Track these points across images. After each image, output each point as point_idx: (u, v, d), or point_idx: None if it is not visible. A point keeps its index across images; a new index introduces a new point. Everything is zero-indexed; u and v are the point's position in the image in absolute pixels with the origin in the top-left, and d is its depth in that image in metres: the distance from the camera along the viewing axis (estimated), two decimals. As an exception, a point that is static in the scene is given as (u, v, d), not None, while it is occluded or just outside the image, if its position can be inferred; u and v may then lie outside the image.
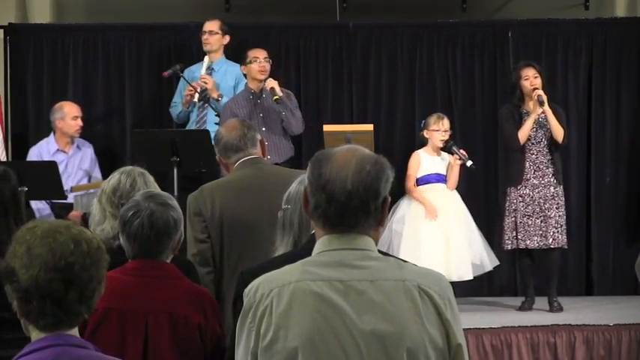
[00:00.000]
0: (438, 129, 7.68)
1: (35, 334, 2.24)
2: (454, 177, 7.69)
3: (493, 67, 8.76)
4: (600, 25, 8.81)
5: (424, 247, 7.49)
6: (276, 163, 7.24)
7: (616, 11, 9.10)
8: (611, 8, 9.13)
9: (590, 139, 8.66)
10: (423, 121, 7.84)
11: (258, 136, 4.48)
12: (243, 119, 4.62)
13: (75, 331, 2.25)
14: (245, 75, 7.77)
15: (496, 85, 8.72)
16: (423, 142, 7.88)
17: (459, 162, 7.62)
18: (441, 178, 7.72)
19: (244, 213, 4.27)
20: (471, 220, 7.75)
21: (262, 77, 7.60)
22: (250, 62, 7.65)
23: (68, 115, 8.08)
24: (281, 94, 7.47)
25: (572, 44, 8.77)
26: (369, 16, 8.90)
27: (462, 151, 7.64)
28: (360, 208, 2.31)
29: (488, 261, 7.69)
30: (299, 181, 3.26)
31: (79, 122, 8.09)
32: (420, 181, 7.72)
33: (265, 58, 7.69)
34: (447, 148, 7.69)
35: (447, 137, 7.69)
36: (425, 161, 7.75)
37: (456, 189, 7.88)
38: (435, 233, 7.57)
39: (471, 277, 7.58)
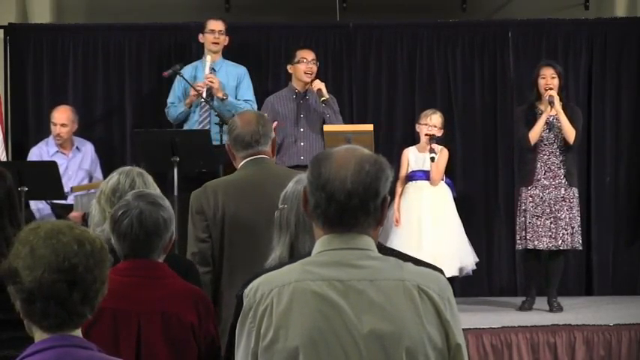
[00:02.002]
0: (426, 123, 7.70)
1: (38, 335, 2.24)
2: (433, 170, 7.65)
3: (493, 67, 8.76)
4: (600, 25, 8.81)
5: (398, 245, 7.45)
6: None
7: (616, 11, 9.10)
8: (611, 8, 9.13)
9: (590, 139, 8.65)
10: None
11: (272, 134, 4.43)
12: (261, 113, 4.56)
13: (78, 332, 2.25)
14: (291, 73, 7.87)
15: (496, 85, 8.72)
16: (408, 139, 7.93)
17: (430, 155, 7.61)
18: (426, 174, 7.72)
19: (245, 213, 4.25)
20: (454, 217, 7.70)
21: (308, 79, 7.70)
22: (298, 62, 7.76)
23: (52, 119, 8.09)
24: (327, 95, 7.56)
25: (572, 44, 8.77)
26: (369, 16, 8.90)
27: (433, 145, 7.62)
28: (360, 207, 2.32)
29: (465, 262, 7.63)
30: (295, 181, 3.25)
31: (57, 129, 8.04)
32: (407, 178, 7.74)
33: (313, 60, 7.80)
34: (430, 142, 7.68)
35: (432, 132, 7.67)
36: (412, 158, 7.77)
37: (455, 189, 7.88)
38: (409, 232, 7.55)
39: (453, 275, 7.49)
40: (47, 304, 2.19)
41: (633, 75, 8.72)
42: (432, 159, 7.57)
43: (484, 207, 8.63)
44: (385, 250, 3.00)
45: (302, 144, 7.63)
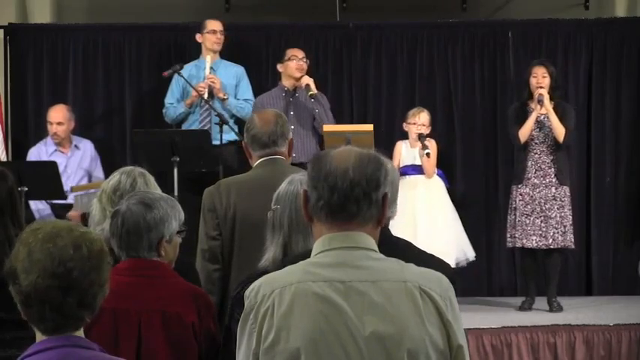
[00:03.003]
0: (415, 122, 7.73)
1: (40, 335, 2.24)
2: (426, 165, 7.67)
3: (493, 67, 8.76)
4: (600, 25, 8.81)
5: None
6: (302, 163, 7.26)
7: (616, 11, 9.10)
8: (611, 8, 9.13)
9: (590, 139, 8.65)
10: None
11: (290, 134, 4.44)
12: (279, 112, 4.57)
13: (80, 332, 2.25)
14: (280, 73, 7.92)
15: (496, 85, 8.72)
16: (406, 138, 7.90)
17: (422, 151, 7.61)
18: (417, 170, 7.73)
19: (256, 213, 4.24)
20: (449, 209, 7.72)
21: (299, 75, 7.76)
22: (289, 60, 7.82)
23: (48, 119, 8.10)
24: (316, 90, 7.63)
25: (572, 44, 8.77)
26: (369, 16, 8.90)
27: (426, 141, 7.63)
28: (362, 196, 2.32)
29: (462, 254, 7.64)
30: (288, 182, 3.26)
31: (54, 128, 8.06)
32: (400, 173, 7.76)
33: (303, 57, 7.85)
34: (419, 138, 7.70)
35: (422, 130, 7.70)
36: (404, 152, 7.78)
37: (455, 187, 7.89)
38: (404, 230, 7.56)
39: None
40: (43, 308, 2.19)
41: (633, 75, 8.72)
42: (428, 154, 7.59)
43: (484, 207, 8.63)
44: (395, 240, 2.99)
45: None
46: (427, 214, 7.63)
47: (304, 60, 7.86)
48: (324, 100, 7.83)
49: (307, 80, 7.70)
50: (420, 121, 7.73)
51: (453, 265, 7.48)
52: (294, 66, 7.81)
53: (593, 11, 9.09)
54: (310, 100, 7.65)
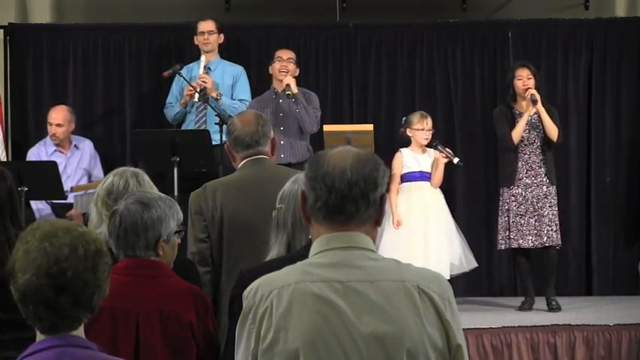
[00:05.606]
0: (422, 128, 7.66)
1: (39, 335, 2.24)
2: (439, 174, 7.64)
3: (493, 67, 8.76)
4: (600, 25, 8.82)
5: (403, 245, 7.44)
6: (290, 164, 7.27)
7: (616, 11, 9.11)
8: (611, 8, 9.14)
9: (590, 139, 8.66)
10: (405, 118, 7.79)
11: (272, 134, 4.45)
12: (259, 113, 4.58)
13: (79, 332, 2.25)
14: (271, 75, 7.88)
15: (496, 85, 8.72)
16: (404, 139, 7.84)
17: (444, 160, 7.58)
18: (424, 176, 7.69)
19: (244, 213, 4.26)
20: (451, 219, 7.73)
21: (282, 77, 7.68)
22: (275, 62, 7.78)
23: (48, 119, 8.11)
24: (295, 90, 7.57)
25: (572, 44, 8.78)
26: (369, 16, 8.91)
27: (447, 149, 7.62)
28: (360, 197, 2.31)
29: (465, 261, 7.64)
30: (293, 181, 3.27)
31: (53, 129, 8.07)
32: (404, 179, 7.71)
33: (289, 58, 7.79)
34: (432, 146, 7.67)
35: (430, 136, 7.67)
36: (407, 159, 7.72)
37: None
38: (415, 231, 7.55)
39: (447, 277, 7.53)
40: (38, 306, 2.19)
41: (633, 75, 8.73)
42: (458, 162, 7.54)
43: (484, 207, 8.63)
44: None
45: (282, 142, 7.63)
46: (438, 218, 7.60)
47: (290, 60, 7.76)
48: (312, 100, 7.72)
49: (289, 80, 7.63)
50: (427, 126, 7.67)
51: (447, 272, 7.49)
52: (277, 67, 7.76)
53: (593, 11, 9.09)
54: (291, 100, 7.59)
